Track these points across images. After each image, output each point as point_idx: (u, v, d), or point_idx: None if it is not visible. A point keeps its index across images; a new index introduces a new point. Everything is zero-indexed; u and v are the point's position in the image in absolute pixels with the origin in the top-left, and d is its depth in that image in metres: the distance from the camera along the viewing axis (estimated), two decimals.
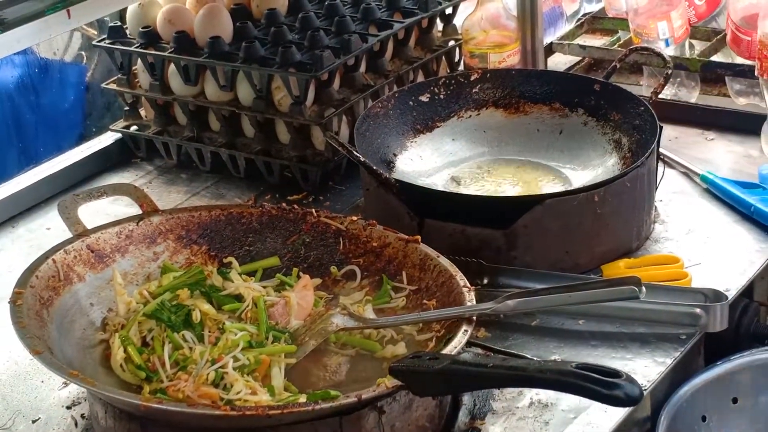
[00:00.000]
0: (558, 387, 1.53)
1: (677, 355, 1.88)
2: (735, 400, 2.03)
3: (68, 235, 1.95)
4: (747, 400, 2.04)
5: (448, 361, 1.59)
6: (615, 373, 1.48)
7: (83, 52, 3.19)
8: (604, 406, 1.75)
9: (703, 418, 2.00)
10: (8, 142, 3.04)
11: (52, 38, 2.57)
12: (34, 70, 3.06)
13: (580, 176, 2.25)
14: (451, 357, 1.62)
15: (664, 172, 2.26)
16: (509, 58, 2.57)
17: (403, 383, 1.59)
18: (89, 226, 1.97)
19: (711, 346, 2.05)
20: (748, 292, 2.11)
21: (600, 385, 1.47)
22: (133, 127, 2.63)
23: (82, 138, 2.97)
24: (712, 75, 2.67)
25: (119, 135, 2.64)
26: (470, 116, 2.41)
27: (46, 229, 2.38)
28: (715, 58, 2.66)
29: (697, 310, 1.90)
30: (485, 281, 2.01)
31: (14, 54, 2.84)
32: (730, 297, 1.99)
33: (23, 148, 3.08)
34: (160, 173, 2.58)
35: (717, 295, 1.92)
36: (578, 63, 2.83)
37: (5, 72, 3.03)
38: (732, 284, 2.04)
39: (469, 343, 1.73)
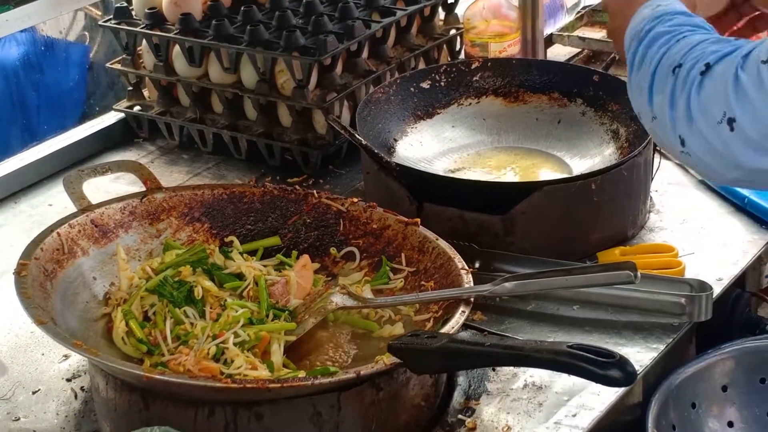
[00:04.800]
0: (553, 366, 1.56)
1: (669, 341, 1.90)
2: (725, 388, 2.06)
3: (70, 211, 1.97)
4: (736, 389, 2.07)
5: (446, 339, 1.62)
6: (609, 354, 1.51)
7: (86, 32, 3.21)
8: (597, 389, 1.79)
9: (693, 406, 2.03)
10: (12, 119, 3.06)
11: (60, 16, 2.59)
12: (40, 48, 3.08)
13: (577, 165, 2.28)
14: (448, 336, 1.65)
15: (660, 162, 2.29)
16: (510, 47, 2.60)
17: (401, 360, 1.62)
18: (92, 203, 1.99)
19: (703, 335, 2.08)
20: (740, 282, 2.14)
21: (595, 365, 1.49)
22: (136, 107, 2.65)
23: (85, 117, 2.99)
24: None
25: (122, 115, 2.66)
26: (470, 104, 2.44)
27: (48, 205, 2.40)
28: None
29: (682, 300, 1.93)
30: (477, 265, 2.03)
31: (19, 32, 2.87)
32: (719, 288, 2.02)
33: (27, 125, 3.09)
34: (162, 153, 2.60)
35: (702, 286, 1.95)
36: (577, 54, 2.86)
37: (10, 50, 3.05)
38: (724, 274, 2.07)
39: (466, 326, 1.75)
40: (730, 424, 2.06)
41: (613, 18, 1.78)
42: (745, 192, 2.23)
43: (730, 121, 1.41)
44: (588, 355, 1.50)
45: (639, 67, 1.59)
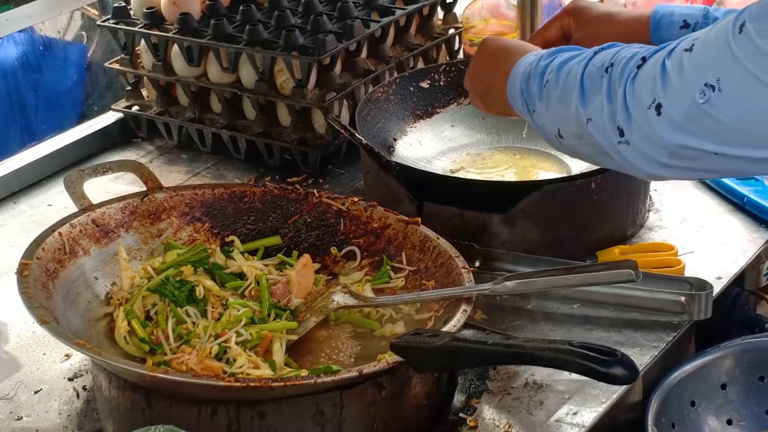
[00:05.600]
0: (556, 364, 1.56)
1: (669, 340, 1.91)
2: (724, 387, 2.07)
3: (69, 211, 1.97)
4: (735, 387, 2.07)
5: (448, 338, 1.63)
6: (612, 352, 1.51)
7: (84, 32, 3.20)
8: (598, 388, 1.79)
9: (693, 404, 2.04)
10: (10, 119, 3.05)
11: (59, 16, 2.59)
12: (38, 48, 3.07)
13: (576, 164, 2.29)
14: (451, 334, 1.65)
15: None
16: None
17: (403, 359, 1.63)
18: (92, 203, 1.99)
19: (702, 334, 2.09)
20: (739, 280, 2.15)
21: (597, 363, 1.50)
22: (135, 107, 2.65)
23: (84, 117, 2.98)
24: None
25: (121, 114, 2.66)
26: (469, 103, 2.43)
27: (48, 205, 2.40)
28: None
29: (682, 299, 1.94)
30: (477, 264, 2.03)
31: (18, 32, 2.86)
32: (719, 286, 2.03)
33: (25, 125, 3.09)
34: (161, 153, 2.60)
35: (702, 285, 1.95)
36: None
37: (8, 50, 3.04)
38: (724, 273, 2.08)
39: (467, 325, 1.75)
40: (729, 422, 2.07)
41: (481, 81, 1.88)
42: (744, 191, 2.24)
43: (658, 107, 1.50)
44: (590, 353, 1.51)
45: (552, 92, 1.67)
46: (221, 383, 1.57)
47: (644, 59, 1.55)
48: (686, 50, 1.49)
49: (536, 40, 2.05)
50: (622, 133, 1.56)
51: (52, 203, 2.40)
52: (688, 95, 1.46)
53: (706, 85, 1.44)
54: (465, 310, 1.75)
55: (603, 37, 1.84)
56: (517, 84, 1.76)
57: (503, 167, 2.31)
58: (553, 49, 1.75)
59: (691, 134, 1.48)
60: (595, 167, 2.15)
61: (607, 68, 1.59)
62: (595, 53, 1.64)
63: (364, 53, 2.49)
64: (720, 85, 1.43)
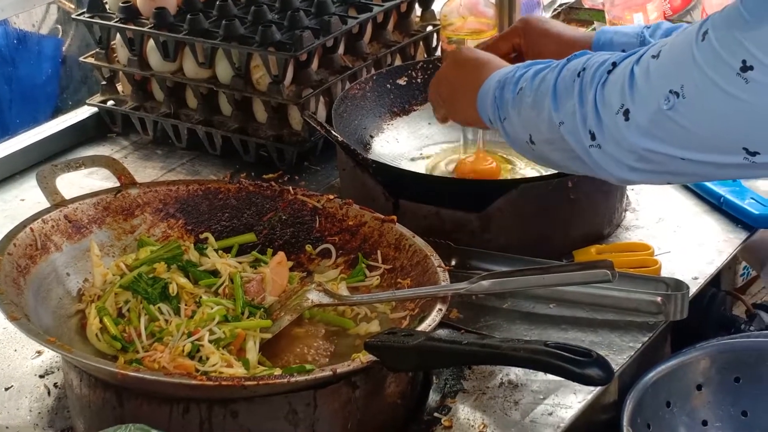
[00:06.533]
0: (531, 365, 1.56)
1: (645, 340, 1.91)
2: (699, 387, 2.06)
3: (42, 206, 1.95)
4: (711, 388, 2.07)
5: (423, 337, 1.62)
6: (587, 353, 1.51)
7: (59, 26, 3.18)
8: (573, 388, 1.79)
9: (668, 404, 2.03)
10: None
11: (34, 9, 2.57)
12: (12, 41, 3.05)
13: None
14: (425, 333, 1.64)
15: None
16: None
17: (378, 358, 1.62)
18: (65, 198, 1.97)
19: (678, 334, 2.08)
20: (715, 281, 2.15)
21: (572, 364, 1.49)
22: (110, 102, 2.63)
23: (58, 111, 2.97)
24: None
25: (95, 109, 2.64)
26: None
27: (20, 200, 2.38)
28: None
29: (658, 299, 1.93)
30: (454, 263, 2.03)
31: None
32: (695, 286, 2.03)
33: None
34: (136, 148, 2.58)
35: (678, 285, 1.95)
36: None
37: None
38: (700, 273, 2.07)
39: (442, 324, 1.74)
40: (705, 423, 2.07)
41: (449, 85, 1.92)
42: (721, 191, 2.24)
43: (626, 112, 1.52)
44: (566, 354, 1.51)
45: (525, 98, 1.70)
46: (193, 382, 1.56)
47: (614, 65, 1.57)
48: (653, 57, 1.52)
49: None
50: (593, 137, 1.58)
51: (25, 198, 2.38)
52: (654, 101, 1.49)
53: (670, 91, 1.47)
54: (440, 309, 1.74)
55: (551, 53, 1.88)
56: (489, 93, 1.78)
57: (481, 165, 2.30)
58: (529, 61, 1.78)
59: (658, 139, 1.50)
60: None
61: (579, 72, 1.61)
62: (569, 60, 1.67)
63: (341, 50, 2.48)
64: (683, 91, 1.46)
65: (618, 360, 1.86)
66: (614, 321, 1.94)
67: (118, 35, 2.54)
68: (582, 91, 1.59)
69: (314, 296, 1.83)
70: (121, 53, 2.57)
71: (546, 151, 1.70)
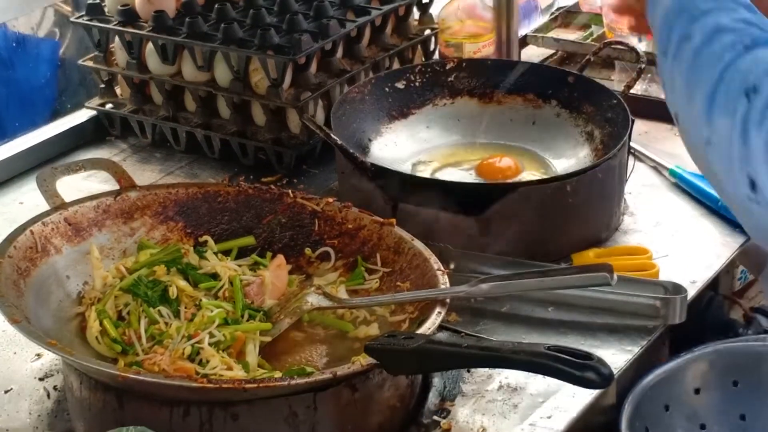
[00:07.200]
0: (531, 368, 1.56)
1: (644, 344, 1.91)
2: (697, 391, 2.07)
3: (41, 210, 1.95)
4: (709, 391, 2.07)
5: (423, 340, 1.62)
6: (587, 356, 1.51)
7: (57, 29, 3.19)
8: (572, 391, 1.79)
9: (666, 408, 2.03)
10: None
11: (32, 12, 2.57)
12: (11, 44, 3.05)
13: (558, 163, 2.29)
14: (425, 336, 1.64)
15: (634, 165, 2.29)
16: (484, 48, 2.61)
17: (377, 361, 1.62)
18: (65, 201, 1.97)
19: (676, 338, 2.08)
20: (713, 285, 2.15)
21: (572, 367, 1.49)
22: (108, 105, 2.63)
23: (56, 114, 2.96)
24: None
25: (94, 112, 2.63)
26: (445, 104, 2.44)
27: (19, 203, 2.38)
28: None
29: (657, 303, 1.93)
30: (452, 266, 2.03)
31: None
32: (693, 290, 2.03)
33: None
34: (134, 152, 2.58)
35: (676, 289, 1.95)
36: (551, 56, 2.86)
37: None
38: (698, 277, 2.07)
39: (441, 327, 1.75)
40: (703, 427, 2.07)
41: None
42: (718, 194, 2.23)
43: None
44: (565, 356, 1.51)
45: (685, 58, 1.33)
46: (194, 384, 1.56)
47: None
48: None
49: None
50: (754, 187, 1.24)
51: (24, 201, 2.38)
52: None
53: None
54: (440, 313, 1.74)
55: None
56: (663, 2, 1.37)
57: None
58: None
59: None
60: (572, 170, 2.16)
61: (748, 92, 1.24)
62: (746, 46, 1.28)
63: (339, 53, 2.48)
64: None
65: (616, 363, 1.86)
66: (613, 324, 1.94)
67: (116, 38, 2.54)
68: (747, 123, 1.23)
69: (313, 299, 1.83)
70: (120, 56, 2.57)
71: (688, 146, 1.34)
